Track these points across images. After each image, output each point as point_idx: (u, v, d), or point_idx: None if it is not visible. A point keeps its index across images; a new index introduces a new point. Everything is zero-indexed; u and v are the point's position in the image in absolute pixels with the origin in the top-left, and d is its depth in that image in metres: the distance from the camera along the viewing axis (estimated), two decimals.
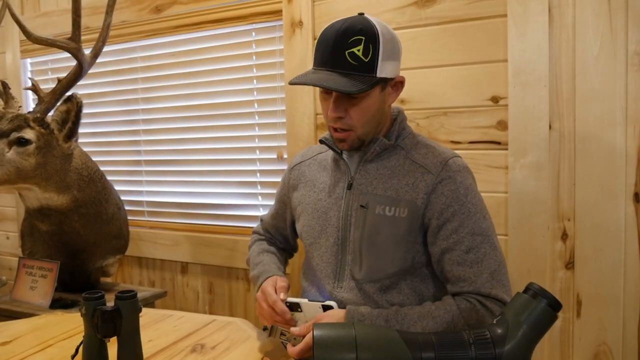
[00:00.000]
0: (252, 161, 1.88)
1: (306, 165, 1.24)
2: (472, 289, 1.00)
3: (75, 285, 1.73)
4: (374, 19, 1.03)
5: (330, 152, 1.19)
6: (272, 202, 1.37)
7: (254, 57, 1.84)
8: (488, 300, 0.98)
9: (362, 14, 1.05)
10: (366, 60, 0.99)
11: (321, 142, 1.16)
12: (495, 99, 1.43)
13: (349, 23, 1.01)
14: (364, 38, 0.99)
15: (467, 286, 1.00)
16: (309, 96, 1.69)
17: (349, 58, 0.99)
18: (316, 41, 1.06)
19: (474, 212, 1.03)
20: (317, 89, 1.68)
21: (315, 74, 1.02)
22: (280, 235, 1.35)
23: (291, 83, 1.05)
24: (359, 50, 0.99)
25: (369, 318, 0.97)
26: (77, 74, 1.54)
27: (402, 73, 1.11)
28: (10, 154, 1.44)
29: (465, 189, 1.05)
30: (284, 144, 1.78)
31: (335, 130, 1.07)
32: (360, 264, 1.07)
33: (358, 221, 1.08)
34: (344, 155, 1.15)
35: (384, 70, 1.02)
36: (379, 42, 1.00)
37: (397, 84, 1.10)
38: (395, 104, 1.16)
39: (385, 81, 1.05)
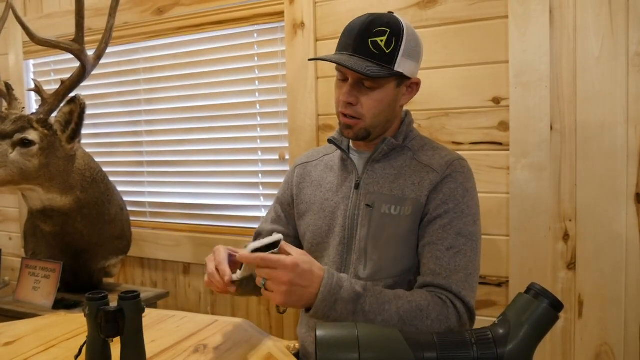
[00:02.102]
0: (254, 162, 1.88)
1: (312, 166, 1.23)
2: (444, 283, 0.99)
3: (78, 286, 1.73)
4: (402, 19, 1.06)
5: (338, 153, 1.19)
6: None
7: (256, 58, 1.84)
8: (457, 301, 0.98)
9: (392, 12, 1.07)
10: (387, 52, 1.01)
11: (329, 141, 1.17)
12: (496, 100, 1.44)
13: (377, 15, 1.04)
14: (388, 30, 1.02)
15: (439, 279, 0.99)
16: (311, 97, 1.69)
17: (371, 46, 1.01)
18: (343, 31, 1.09)
19: (467, 214, 1.04)
20: (321, 88, 1.71)
21: (336, 55, 1.05)
22: None
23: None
24: (382, 41, 1.01)
25: (347, 280, 0.94)
26: (80, 76, 1.55)
27: None
28: (14, 155, 1.45)
29: (464, 190, 1.06)
30: (286, 144, 1.79)
31: (345, 116, 1.08)
32: (365, 263, 1.07)
33: (364, 220, 1.08)
34: (352, 155, 1.16)
35: (402, 66, 1.03)
36: (402, 37, 1.02)
37: (413, 85, 1.10)
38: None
39: (401, 78, 1.06)
